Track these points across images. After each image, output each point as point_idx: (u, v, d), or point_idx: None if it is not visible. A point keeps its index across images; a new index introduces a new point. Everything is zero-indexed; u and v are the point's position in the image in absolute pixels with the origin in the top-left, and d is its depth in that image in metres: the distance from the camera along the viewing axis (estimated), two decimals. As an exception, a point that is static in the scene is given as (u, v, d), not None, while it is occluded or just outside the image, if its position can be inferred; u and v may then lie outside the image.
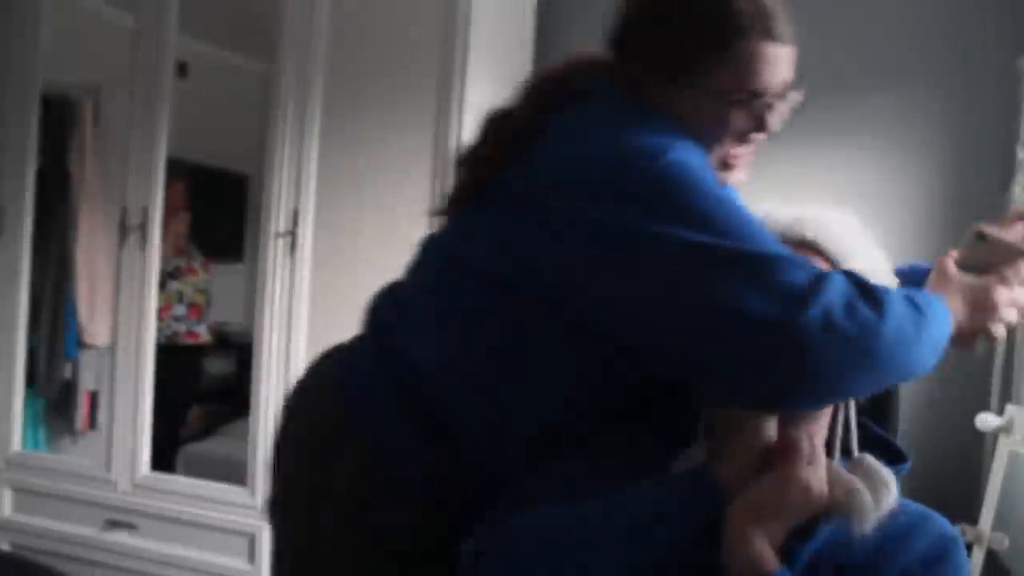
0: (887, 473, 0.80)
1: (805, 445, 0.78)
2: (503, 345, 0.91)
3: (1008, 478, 1.93)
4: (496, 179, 0.91)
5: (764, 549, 0.75)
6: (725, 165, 0.93)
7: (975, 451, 2.15)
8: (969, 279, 0.87)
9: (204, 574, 2.41)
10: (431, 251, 1.01)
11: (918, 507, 0.84)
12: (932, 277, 0.87)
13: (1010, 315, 0.86)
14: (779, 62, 0.89)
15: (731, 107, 0.89)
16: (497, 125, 0.97)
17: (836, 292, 0.72)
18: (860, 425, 0.89)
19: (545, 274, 0.85)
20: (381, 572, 0.95)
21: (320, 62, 2.27)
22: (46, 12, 2.60)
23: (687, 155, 0.81)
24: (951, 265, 0.87)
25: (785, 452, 0.78)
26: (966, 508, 1.94)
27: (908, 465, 0.89)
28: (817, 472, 0.77)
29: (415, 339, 0.96)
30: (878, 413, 0.97)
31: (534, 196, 0.86)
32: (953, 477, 2.10)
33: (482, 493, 0.89)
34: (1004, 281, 0.86)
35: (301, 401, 1.06)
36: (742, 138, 0.92)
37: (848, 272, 0.76)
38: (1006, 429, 1.96)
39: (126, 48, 2.49)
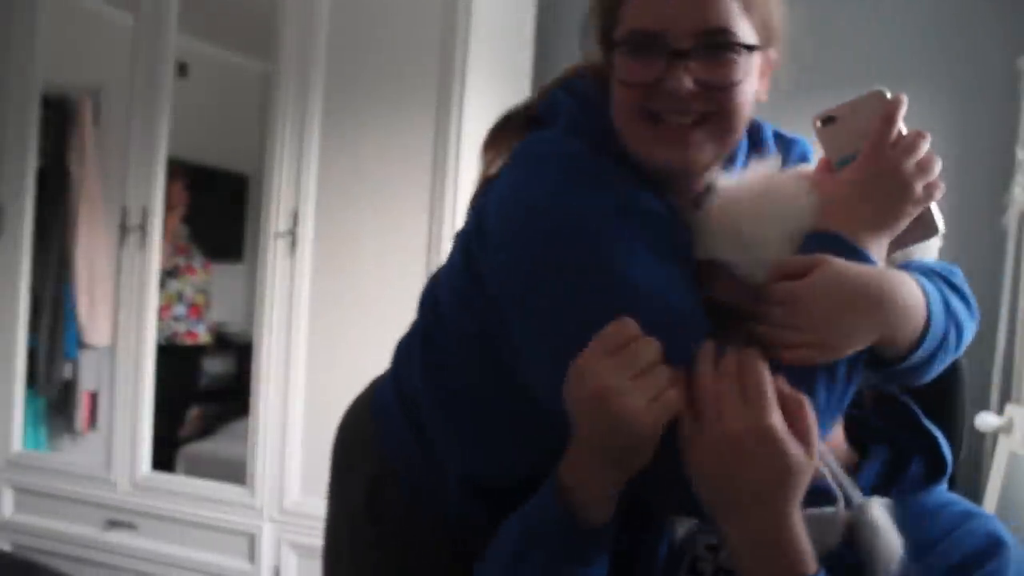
0: (893, 538, 0.68)
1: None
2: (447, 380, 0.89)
3: (1008, 478, 1.93)
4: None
5: (799, 533, 0.65)
6: (661, 140, 0.77)
7: (975, 451, 2.15)
8: (850, 174, 0.71)
9: (204, 574, 2.41)
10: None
11: (963, 505, 0.76)
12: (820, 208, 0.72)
13: (925, 171, 0.70)
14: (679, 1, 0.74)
15: (630, 56, 0.76)
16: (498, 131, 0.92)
17: None
18: (915, 421, 0.82)
19: (474, 314, 0.83)
20: None
21: (320, 62, 2.27)
22: (46, 12, 2.60)
23: (606, 221, 0.73)
24: (829, 180, 0.73)
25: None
26: (966, 508, 1.93)
27: (946, 477, 0.79)
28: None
29: (411, 365, 0.95)
30: (943, 415, 0.88)
31: (474, 243, 0.83)
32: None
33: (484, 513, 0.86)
34: (883, 145, 0.70)
35: (343, 420, 1.06)
36: (654, 100, 0.76)
37: None
38: (1006, 429, 1.96)
39: (126, 48, 2.49)
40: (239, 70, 3.28)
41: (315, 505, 2.29)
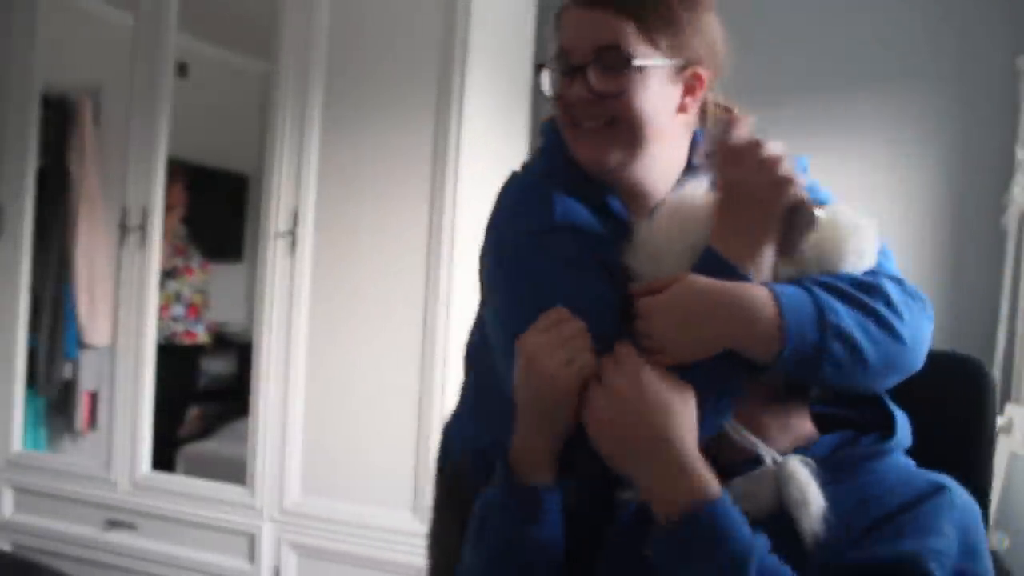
0: (812, 489, 0.74)
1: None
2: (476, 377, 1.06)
3: (1008, 478, 1.93)
4: None
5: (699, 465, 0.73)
6: (581, 142, 0.91)
7: (975, 451, 2.15)
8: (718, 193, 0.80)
9: (204, 574, 2.41)
10: None
11: (915, 469, 0.80)
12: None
13: (767, 172, 0.76)
14: (576, 24, 0.89)
15: (558, 75, 0.92)
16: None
17: None
18: (883, 407, 0.84)
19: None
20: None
21: (320, 62, 2.27)
22: (45, 12, 2.60)
23: (535, 240, 0.87)
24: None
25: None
26: (966, 508, 1.93)
27: (898, 438, 0.81)
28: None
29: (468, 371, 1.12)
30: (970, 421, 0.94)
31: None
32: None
33: None
34: (723, 162, 0.79)
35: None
36: (569, 108, 0.91)
37: None
38: (1006, 429, 1.96)
39: (126, 48, 2.50)
40: (239, 70, 3.28)
41: (315, 505, 2.29)
